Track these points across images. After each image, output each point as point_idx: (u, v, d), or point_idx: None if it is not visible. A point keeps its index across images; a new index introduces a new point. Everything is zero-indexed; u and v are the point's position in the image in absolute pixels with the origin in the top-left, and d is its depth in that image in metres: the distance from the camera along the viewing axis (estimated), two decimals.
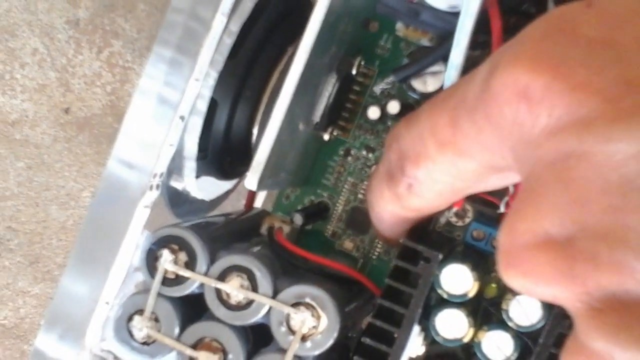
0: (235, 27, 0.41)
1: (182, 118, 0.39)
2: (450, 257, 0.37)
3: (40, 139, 0.78)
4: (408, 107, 0.43)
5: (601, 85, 0.22)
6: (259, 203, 0.52)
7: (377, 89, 0.43)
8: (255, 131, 0.45)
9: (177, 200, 0.45)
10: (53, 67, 0.76)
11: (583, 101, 0.22)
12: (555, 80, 0.23)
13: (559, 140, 0.23)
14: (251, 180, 0.39)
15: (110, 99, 0.76)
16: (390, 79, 0.41)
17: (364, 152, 0.45)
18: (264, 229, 0.46)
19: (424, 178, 0.30)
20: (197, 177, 0.45)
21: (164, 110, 0.39)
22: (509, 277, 0.24)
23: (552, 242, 0.23)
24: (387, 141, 0.32)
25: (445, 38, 0.38)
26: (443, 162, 0.29)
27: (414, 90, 0.42)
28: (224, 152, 0.46)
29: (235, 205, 0.54)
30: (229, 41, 0.41)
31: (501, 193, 0.38)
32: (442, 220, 0.40)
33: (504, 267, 0.25)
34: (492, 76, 0.25)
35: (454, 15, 0.36)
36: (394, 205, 0.33)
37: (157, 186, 0.40)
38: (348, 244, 0.46)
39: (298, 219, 0.44)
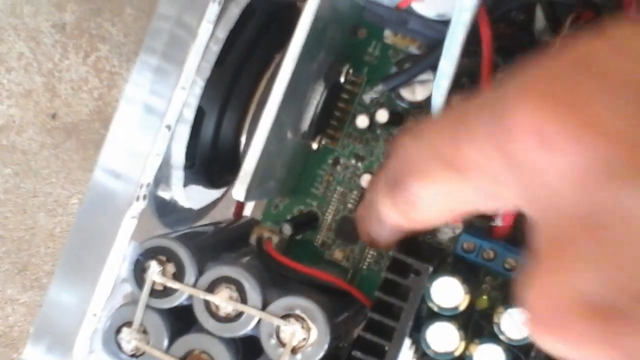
0: (222, 34, 0.41)
1: (168, 127, 0.39)
2: (441, 269, 0.37)
3: (27, 145, 0.77)
4: (397, 116, 0.43)
5: (625, 128, 0.20)
6: (247, 211, 0.51)
7: (367, 97, 0.43)
8: (243, 139, 0.45)
9: (164, 210, 0.45)
10: (39, 72, 0.76)
11: (606, 147, 0.21)
12: (572, 121, 0.21)
13: (587, 193, 0.21)
14: (239, 190, 0.39)
15: (97, 105, 0.76)
16: (380, 87, 0.41)
17: (353, 161, 0.45)
18: (253, 239, 0.45)
19: (424, 196, 0.29)
20: (185, 186, 0.44)
21: (150, 119, 0.38)
22: (545, 341, 0.23)
23: (593, 306, 0.22)
24: (393, 146, 0.31)
25: (433, 47, 0.37)
26: (444, 184, 0.28)
27: (402, 99, 0.41)
28: (211, 160, 0.45)
29: (225, 213, 0.54)
30: (216, 48, 0.41)
31: None
32: (441, 236, 0.40)
33: (539, 332, 0.23)
34: (504, 109, 0.23)
35: (443, 23, 0.36)
36: (393, 213, 0.32)
37: (144, 196, 0.40)
38: (338, 254, 0.45)
39: (287, 230, 0.44)
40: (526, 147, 0.22)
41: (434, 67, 0.36)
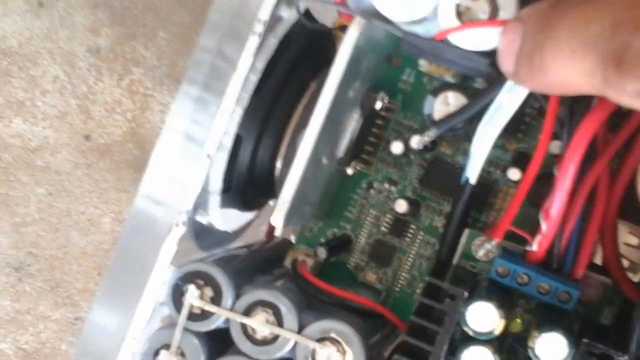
0: (261, 64, 0.42)
1: (208, 156, 0.40)
2: (476, 294, 0.37)
3: (61, 166, 0.79)
4: (431, 142, 0.44)
5: None
6: (279, 231, 0.52)
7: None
8: (278, 164, 0.45)
9: (201, 233, 0.46)
10: (74, 95, 0.77)
11: None
12: None
13: None
14: (277, 217, 0.39)
15: (130, 126, 0.77)
16: (432, 132, 0.41)
17: (387, 185, 0.46)
18: (287, 262, 0.46)
19: None
20: (221, 208, 0.45)
21: (191, 148, 0.39)
22: None
23: None
24: (635, 12, 0.26)
25: (488, 87, 0.38)
26: None
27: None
28: (247, 185, 0.46)
29: (256, 230, 0.55)
30: (254, 78, 0.41)
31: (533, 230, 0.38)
32: (480, 252, 0.40)
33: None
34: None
35: (479, 54, 0.37)
36: (594, 84, 0.27)
37: (184, 223, 0.41)
38: (371, 276, 0.46)
39: (322, 253, 0.44)
40: None
41: (484, 108, 0.37)
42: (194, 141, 0.39)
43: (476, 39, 0.36)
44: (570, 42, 0.27)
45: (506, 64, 0.31)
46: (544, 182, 0.39)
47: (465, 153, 0.44)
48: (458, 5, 0.36)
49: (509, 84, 0.35)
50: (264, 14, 0.39)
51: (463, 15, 0.36)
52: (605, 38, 0.26)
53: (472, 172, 0.39)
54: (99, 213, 0.79)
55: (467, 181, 0.39)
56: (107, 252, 0.79)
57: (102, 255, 0.80)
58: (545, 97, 0.37)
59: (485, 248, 0.40)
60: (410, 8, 0.37)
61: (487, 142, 0.37)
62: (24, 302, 0.81)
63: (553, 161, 0.39)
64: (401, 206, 0.44)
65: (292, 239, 0.49)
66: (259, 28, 0.39)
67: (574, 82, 0.28)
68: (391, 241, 0.46)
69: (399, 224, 0.46)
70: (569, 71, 0.27)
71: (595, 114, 0.34)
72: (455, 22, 0.36)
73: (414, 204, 0.44)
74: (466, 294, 0.37)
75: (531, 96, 0.40)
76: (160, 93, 0.76)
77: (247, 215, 0.52)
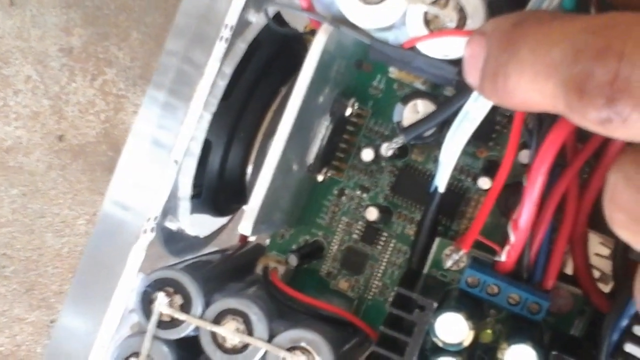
0: (229, 69, 0.41)
1: (176, 162, 0.39)
2: (445, 304, 0.37)
3: (35, 166, 0.78)
4: (402, 149, 0.43)
5: None
6: (253, 237, 0.52)
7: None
8: (249, 170, 0.45)
9: (171, 239, 0.45)
10: (46, 95, 0.76)
11: None
12: None
13: None
14: (245, 226, 0.39)
15: (104, 127, 0.76)
16: (400, 139, 0.41)
17: (358, 192, 0.45)
18: (259, 269, 0.46)
19: (637, 127, 0.25)
20: (191, 214, 0.45)
21: (158, 153, 0.39)
22: None
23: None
24: (595, 40, 0.26)
25: (455, 95, 0.38)
26: None
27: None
28: (218, 190, 0.46)
29: (231, 234, 0.54)
30: (222, 83, 0.41)
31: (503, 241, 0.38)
32: (449, 262, 0.40)
33: None
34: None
35: (448, 62, 0.37)
36: (548, 106, 0.28)
37: (152, 229, 0.40)
38: (343, 284, 0.46)
39: (293, 260, 0.44)
40: None
41: (453, 115, 0.37)
42: (161, 146, 0.39)
43: (444, 48, 0.36)
44: (532, 65, 0.27)
45: (471, 78, 0.31)
46: (513, 192, 0.39)
47: (437, 160, 0.44)
48: (426, 13, 0.36)
49: (475, 93, 0.35)
50: (231, 19, 0.39)
51: (431, 24, 0.36)
52: (567, 64, 0.26)
53: (441, 181, 0.38)
54: (73, 214, 0.78)
55: (436, 189, 0.39)
56: (81, 254, 0.78)
57: (77, 257, 0.79)
58: None
59: (453, 258, 0.40)
60: (378, 15, 0.36)
61: (455, 151, 0.37)
62: None
63: (522, 170, 0.39)
64: (372, 214, 0.44)
65: (267, 243, 0.48)
66: (226, 33, 0.39)
67: (537, 103, 0.28)
68: (363, 248, 0.45)
69: (371, 232, 0.45)
70: (532, 93, 0.28)
71: (564, 123, 0.34)
72: (424, 30, 0.36)
73: (385, 212, 0.44)
74: (435, 304, 0.36)
75: None
76: (133, 94, 0.75)
77: (220, 220, 0.52)
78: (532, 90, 0.27)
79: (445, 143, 0.37)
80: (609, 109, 0.25)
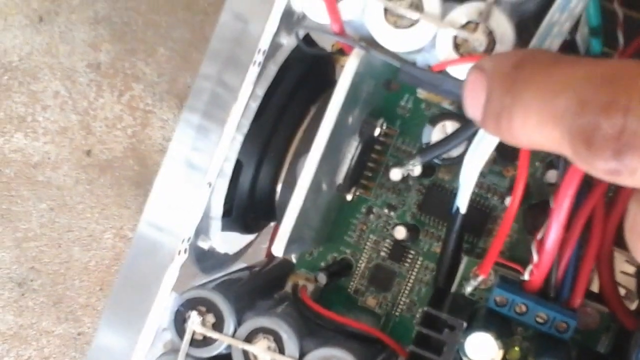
0: (261, 91, 0.42)
1: (209, 184, 0.40)
2: (474, 324, 0.38)
3: (63, 181, 0.79)
4: (429, 169, 0.44)
5: None
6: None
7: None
8: (278, 189, 0.46)
9: (202, 256, 0.46)
10: (74, 110, 0.77)
11: None
12: None
13: None
14: (278, 247, 0.40)
15: (131, 142, 0.77)
16: (417, 159, 0.41)
17: (386, 211, 0.46)
18: (288, 287, 0.47)
19: None
20: (222, 231, 0.46)
21: (192, 176, 0.40)
22: None
23: None
24: (600, 93, 0.26)
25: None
26: None
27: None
28: (248, 209, 0.46)
29: (257, 249, 0.55)
30: (254, 105, 0.42)
31: (520, 260, 0.38)
32: (468, 289, 0.41)
33: None
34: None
35: None
36: (554, 150, 0.28)
37: (186, 250, 0.41)
38: (371, 301, 0.47)
39: (322, 279, 0.45)
40: None
41: (470, 138, 0.37)
42: (195, 169, 0.40)
43: None
44: (538, 112, 0.28)
45: (472, 112, 0.31)
46: (541, 211, 0.39)
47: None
48: (456, 37, 0.37)
49: None
50: (264, 43, 0.39)
51: (460, 47, 0.37)
52: (573, 115, 0.27)
53: (462, 202, 0.39)
54: (100, 229, 0.79)
55: (457, 210, 0.39)
56: (108, 268, 0.79)
57: (103, 270, 0.80)
58: None
59: (472, 285, 0.40)
60: (408, 39, 0.37)
61: (474, 173, 0.37)
62: (26, 317, 0.81)
63: (549, 189, 0.39)
64: (400, 233, 0.44)
65: (293, 258, 0.49)
66: (259, 58, 0.40)
67: (543, 146, 0.29)
68: (391, 266, 0.46)
69: (398, 249, 0.46)
70: (538, 138, 0.28)
71: None
72: (453, 54, 0.37)
73: (412, 230, 0.45)
74: (465, 324, 0.37)
75: None
76: (160, 109, 0.76)
77: (248, 237, 0.53)
78: (538, 134, 0.28)
79: (465, 164, 0.37)
80: (616, 162, 0.26)
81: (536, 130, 0.28)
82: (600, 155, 0.26)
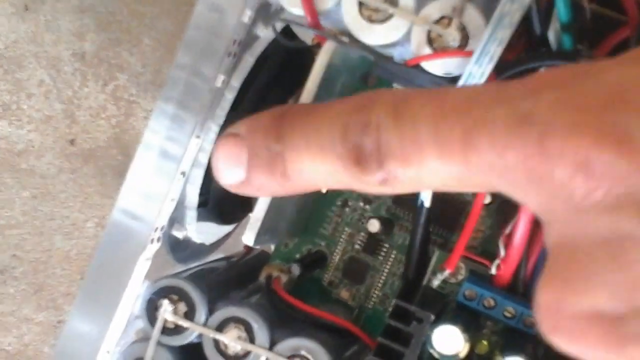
0: (237, 82, 0.42)
1: (183, 174, 0.40)
2: (443, 317, 0.38)
3: (46, 169, 0.79)
4: None
5: None
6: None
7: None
8: None
9: (177, 246, 0.46)
10: (59, 99, 0.77)
11: None
12: (620, 159, 0.23)
13: (616, 220, 0.23)
14: (249, 236, 0.40)
15: (115, 132, 0.77)
16: None
17: (361, 204, 0.46)
18: (262, 278, 0.47)
19: (406, 179, 0.28)
20: (197, 222, 0.46)
21: (166, 165, 0.40)
22: (555, 340, 0.25)
23: (604, 317, 0.24)
24: (356, 118, 0.29)
25: None
26: (439, 172, 0.27)
27: None
28: (224, 200, 0.46)
29: (237, 240, 0.55)
30: (230, 96, 0.42)
31: (492, 255, 0.39)
32: (435, 282, 0.41)
33: (549, 331, 0.25)
34: (546, 135, 0.24)
35: (449, 80, 0.37)
36: (341, 180, 0.30)
37: (159, 239, 0.41)
38: (344, 293, 0.47)
39: (296, 270, 0.45)
40: (565, 174, 0.24)
41: None
42: (169, 158, 0.40)
43: (447, 66, 0.37)
44: (308, 149, 0.30)
45: (230, 179, 0.33)
46: (511, 206, 0.40)
47: None
48: (429, 32, 0.37)
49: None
50: (239, 34, 0.40)
51: (434, 42, 0.37)
52: (340, 142, 0.29)
53: (426, 195, 0.39)
54: (83, 217, 0.79)
55: (422, 204, 0.39)
56: (90, 257, 0.79)
57: (85, 259, 0.80)
58: None
59: (438, 279, 0.40)
60: (383, 33, 0.37)
61: None
62: (7, 304, 0.82)
63: None
64: (374, 226, 0.44)
65: (272, 249, 0.49)
66: (234, 48, 0.40)
67: (325, 182, 0.30)
68: (365, 259, 0.46)
69: (373, 242, 0.46)
70: (315, 174, 0.30)
71: None
72: (427, 49, 0.37)
73: (386, 223, 0.45)
74: (432, 317, 0.37)
75: None
76: (144, 99, 0.76)
77: (226, 228, 0.53)
78: (313, 172, 0.30)
79: None
80: (381, 171, 0.28)
81: (312, 168, 0.30)
82: (368, 169, 0.28)
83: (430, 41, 0.37)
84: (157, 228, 0.40)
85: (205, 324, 0.41)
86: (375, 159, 0.28)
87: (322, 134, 0.29)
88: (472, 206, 0.38)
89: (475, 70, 0.34)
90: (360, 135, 0.28)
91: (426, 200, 0.39)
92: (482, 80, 0.34)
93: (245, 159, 0.32)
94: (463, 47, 0.36)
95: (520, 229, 0.36)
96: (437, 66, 0.37)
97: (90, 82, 0.77)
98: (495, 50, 0.34)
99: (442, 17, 0.36)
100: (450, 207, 0.44)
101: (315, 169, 0.30)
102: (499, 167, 0.25)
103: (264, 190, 0.32)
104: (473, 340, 0.37)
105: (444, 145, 0.27)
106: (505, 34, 0.34)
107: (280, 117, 0.31)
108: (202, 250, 0.51)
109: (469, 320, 0.39)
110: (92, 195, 0.78)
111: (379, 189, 0.29)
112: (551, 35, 0.37)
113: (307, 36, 0.46)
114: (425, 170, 0.27)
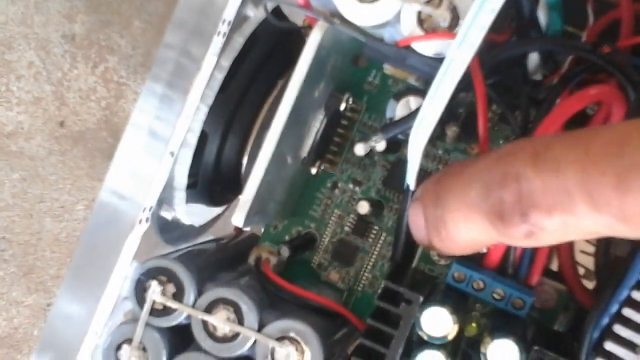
0: (226, 62, 0.42)
1: (172, 154, 0.40)
2: (431, 298, 0.38)
3: (35, 151, 0.79)
4: (394, 144, 0.44)
5: None
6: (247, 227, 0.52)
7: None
8: (245, 161, 0.46)
9: (167, 227, 0.46)
10: (49, 81, 0.77)
11: None
12: None
13: None
14: (238, 217, 0.40)
15: (104, 114, 0.77)
16: (379, 136, 0.41)
17: (351, 186, 0.46)
18: (251, 259, 0.47)
19: (554, 230, 0.29)
20: (187, 203, 0.46)
21: (155, 145, 0.40)
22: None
23: None
24: (496, 172, 0.30)
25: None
26: (591, 223, 0.28)
27: None
28: (213, 181, 0.46)
29: (227, 222, 0.55)
30: (220, 76, 0.42)
31: None
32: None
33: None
34: None
35: (439, 60, 0.37)
36: (492, 237, 0.31)
37: (147, 219, 0.41)
38: (334, 275, 0.47)
39: (285, 252, 0.45)
40: None
41: None
42: (157, 138, 0.40)
43: (437, 46, 0.37)
44: (460, 209, 0.31)
45: (420, 238, 0.35)
46: None
47: (428, 155, 0.44)
48: (420, 13, 0.36)
49: (431, 93, 0.35)
50: (229, 14, 0.39)
51: (424, 22, 0.37)
52: (483, 199, 0.30)
53: (410, 178, 0.38)
54: (72, 200, 0.79)
55: (407, 187, 0.39)
56: (79, 239, 0.79)
57: (74, 242, 0.80)
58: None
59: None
60: (373, 13, 0.37)
61: (418, 150, 0.36)
62: None
63: None
64: (363, 208, 0.44)
65: (262, 231, 0.49)
66: (224, 28, 0.39)
67: (480, 241, 0.32)
68: (354, 241, 0.46)
69: (362, 224, 0.46)
70: (471, 233, 0.31)
71: (547, 123, 0.35)
72: (417, 29, 0.37)
73: (376, 205, 0.45)
74: (421, 298, 0.37)
75: (492, 100, 0.40)
76: (134, 82, 0.76)
77: (215, 210, 0.53)
78: (469, 230, 0.31)
79: (410, 142, 0.37)
80: (526, 224, 0.29)
81: (466, 227, 0.31)
82: (512, 223, 0.29)
83: (420, 22, 0.37)
84: (145, 208, 0.40)
85: (193, 306, 0.41)
86: (518, 212, 0.29)
87: (470, 194, 0.31)
88: None
89: (457, 55, 0.34)
90: (500, 189, 0.29)
91: (411, 183, 0.39)
92: (464, 66, 0.34)
93: (423, 225, 0.34)
94: (453, 28, 0.36)
95: None
96: (428, 47, 0.37)
97: (80, 64, 0.77)
98: (477, 36, 0.34)
99: None
100: None
101: (469, 228, 0.31)
102: None
103: (444, 251, 0.34)
104: (462, 322, 0.37)
105: (595, 191, 0.27)
106: (486, 19, 0.33)
107: (439, 182, 0.33)
108: (192, 231, 0.51)
109: (458, 302, 0.38)
110: (81, 177, 0.78)
111: (526, 242, 0.30)
112: (540, 16, 0.37)
113: (297, 18, 0.46)
114: (573, 219, 0.28)
